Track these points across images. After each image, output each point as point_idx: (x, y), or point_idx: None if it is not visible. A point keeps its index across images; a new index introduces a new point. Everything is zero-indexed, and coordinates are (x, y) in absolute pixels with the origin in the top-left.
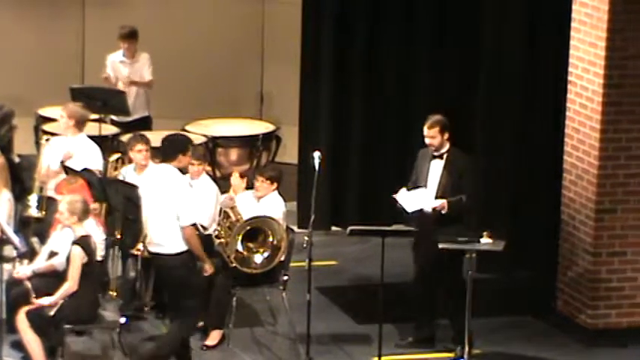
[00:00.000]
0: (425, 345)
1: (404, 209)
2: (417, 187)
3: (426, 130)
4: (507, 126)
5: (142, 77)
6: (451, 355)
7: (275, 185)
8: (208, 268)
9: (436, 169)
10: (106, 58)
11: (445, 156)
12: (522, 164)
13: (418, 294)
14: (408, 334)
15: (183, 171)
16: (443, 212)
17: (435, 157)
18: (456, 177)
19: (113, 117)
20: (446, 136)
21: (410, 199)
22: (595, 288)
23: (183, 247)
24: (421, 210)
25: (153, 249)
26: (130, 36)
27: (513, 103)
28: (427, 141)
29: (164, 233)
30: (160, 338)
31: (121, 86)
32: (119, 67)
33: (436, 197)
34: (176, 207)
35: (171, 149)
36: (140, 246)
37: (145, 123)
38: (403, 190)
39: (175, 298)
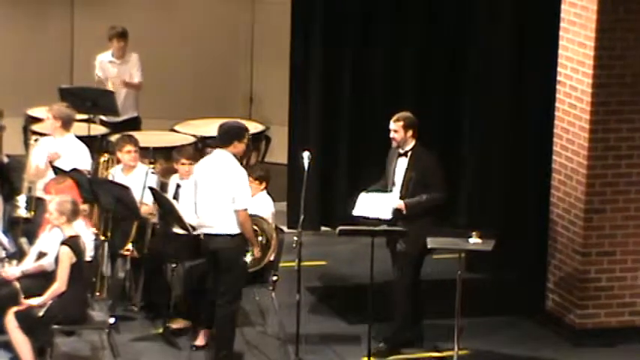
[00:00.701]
0: (406, 346)
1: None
2: (383, 186)
3: (391, 124)
4: (496, 126)
5: (132, 78)
6: (441, 354)
7: (264, 185)
8: (257, 252)
9: (401, 167)
10: (94, 59)
11: (409, 154)
12: (511, 164)
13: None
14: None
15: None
16: (403, 213)
17: (400, 155)
18: (420, 175)
19: (102, 117)
20: (410, 133)
21: (371, 204)
22: (584, 288)
23: (236, 230)
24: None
25: (206, 231)
26: (121, 36)
27: (502, 103)
28: (391, 135)
29: (218, 216)
30: (217, 329)
31: (110, 87)
32: (108, 67)
33: (401, 195)
34: (231, 191)
35: (227, 136)
36: (129, 246)
37: (134, 123)
38: (364, 194)
39: (225, 278)
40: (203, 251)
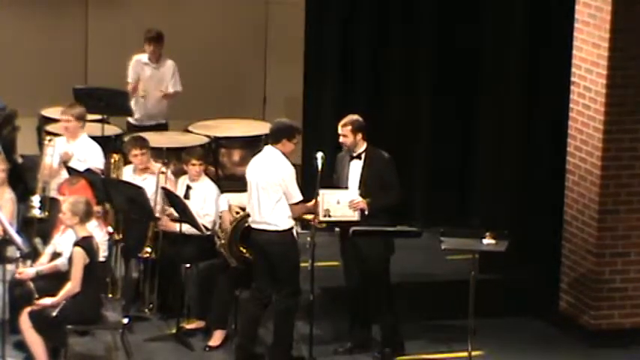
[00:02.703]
0: (361, 350)
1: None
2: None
3: (339, 129)
4: (510, 125)
5: (167, 85)
6: (454, 355)
7: None
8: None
9: (355, 169)
10: (110, 59)
11: (363, 155)
12: (525, 164)
13: (351, 296)
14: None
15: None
16: (365, 212)
17: (353, 157)
18: (377, 176)
19: (131, 120)
20: (359, 136)
21: (332, 201)
22: (598, 289)
23: (284, 226)
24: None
25: (255, 226)
26: (152, 40)
27: (517, 103)
28: (340, 140)
29: (266, 212)
30: (274, 325)
31: (141, 92)
32: (143, 69)
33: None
34: (280, 187)
35: (278, 134)
36: (148, 249)
37: (162, 129)
38: (324, 190)
39: (278, 274)
40: (253, 246)
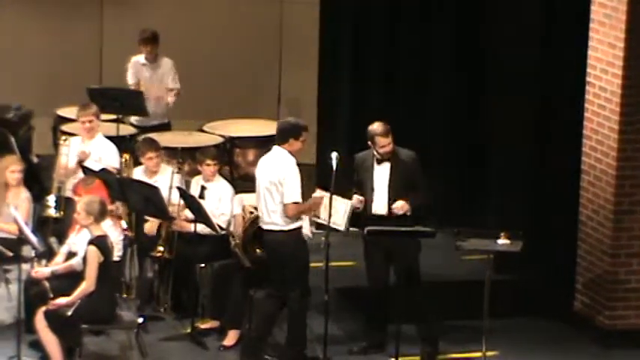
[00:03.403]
0: (377, 350)
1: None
2: (362, 194)
3: (382, 140)
4: (525, 125)
5: (166, 84)
6: (469, 355)
7: None
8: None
9: (383, 172)
10: (123, 59)
11: (390, 157)
12: (540, 164)
13: (373, 297)
14: (363, 339)
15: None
16: (407, 214)
17: (379, 160)
18: (406, 176)
19: (133, 121)
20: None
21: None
22: (613, 289)
23: (293, 225)
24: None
25: (266, 227)
26: (151, 40)
27: (532, 103)
28: (384, 149)
29: (272, 212)
30: (288, 325)
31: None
32: (142, 69)
33: (389, 200)
34: (281, 185)
35: (284, 133)
36: (160, 248)
37: (166, 129)
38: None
39: (286, 274)
40: (264, 247)
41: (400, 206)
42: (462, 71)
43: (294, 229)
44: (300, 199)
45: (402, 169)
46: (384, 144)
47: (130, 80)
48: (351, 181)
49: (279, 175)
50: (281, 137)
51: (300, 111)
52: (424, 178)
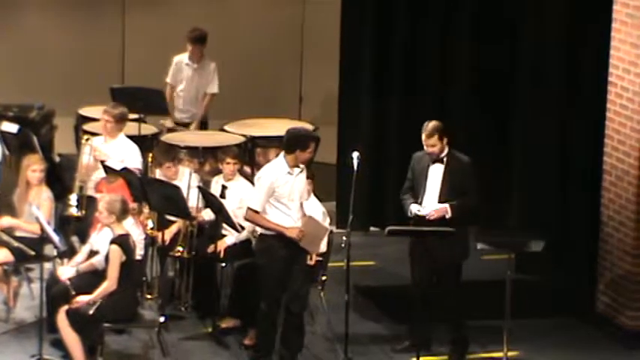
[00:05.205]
0: (422, 348)
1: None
2: (415, 193)
3: (425, 139)
4: (547, 126)
5: (205, 86)
6: (490, 355)
7: (311, 185)
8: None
9: (436, 173)
10: (147, 59)
11: (445, 160)
12: (562, 164)
13: (417, 296)
14: (407, 337)
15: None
16: (447, 217)
17: (434, 161)
18: (457, 180)
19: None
20: (445, 140)
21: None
22: (635, 289)
23: (262, 231)
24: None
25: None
26: (199, 40)
27: (554, 103)
28: (428, 150)
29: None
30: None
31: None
32: (184, 69)
33: (439, 202)
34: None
35: (291, 143)
36: (179, 248)
37: (203, 127)
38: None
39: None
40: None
41: (430, 213)
42: (485, 69)
43: (264, 235)
44: (258, 209)
45: (455, 172)
46: (427, 144)
47: (169, 79)
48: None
49: (257, 177)
50: (287, 147)
51: (321, 110)
52: (475, 184)
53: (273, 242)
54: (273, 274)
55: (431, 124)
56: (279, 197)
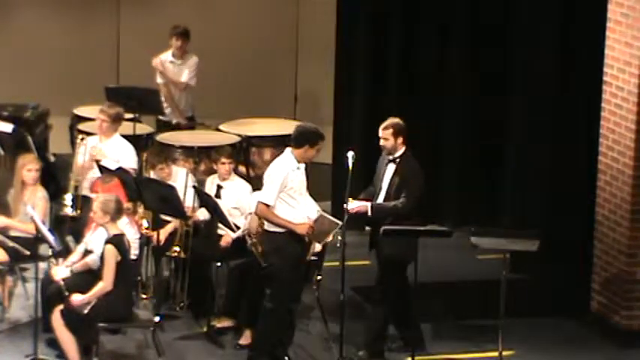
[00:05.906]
0: (416, 347)
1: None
2: (371, 193)
3: (380, 132)
4: (541, 125)
5: (182, 75)
6: (485, 355)
7: None
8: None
9: (389, 173)
10: (142, 58)
11: (398, 161)
12: (556, 164)
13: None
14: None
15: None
16: (368, 214)
17: (390, 161)
18: (402, 182)
19: (161, 117)
20: (400, 140)
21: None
22: (630, 289)
23: (271, 228)
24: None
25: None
26: (180, 35)
27: (549, 102)
28: (380, 142)
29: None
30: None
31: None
32: (169, 67)
33: (383, 201)
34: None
35: (300, 138)
36: (176, 248)
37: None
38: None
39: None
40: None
41: (352, 208)
42: (479, 70)
43: (275, 232)
44: (271, 203)
45: (401, 174)
46: (380, 136)
47: (159, 80)
48: (367, 180)
49: (267, 173)
50: (297, 141)
51: (316, 110)
52: (415, 192)
53: (282, 242)
54: (282, 275)
55: (391, 119)
56: (290, 191)
